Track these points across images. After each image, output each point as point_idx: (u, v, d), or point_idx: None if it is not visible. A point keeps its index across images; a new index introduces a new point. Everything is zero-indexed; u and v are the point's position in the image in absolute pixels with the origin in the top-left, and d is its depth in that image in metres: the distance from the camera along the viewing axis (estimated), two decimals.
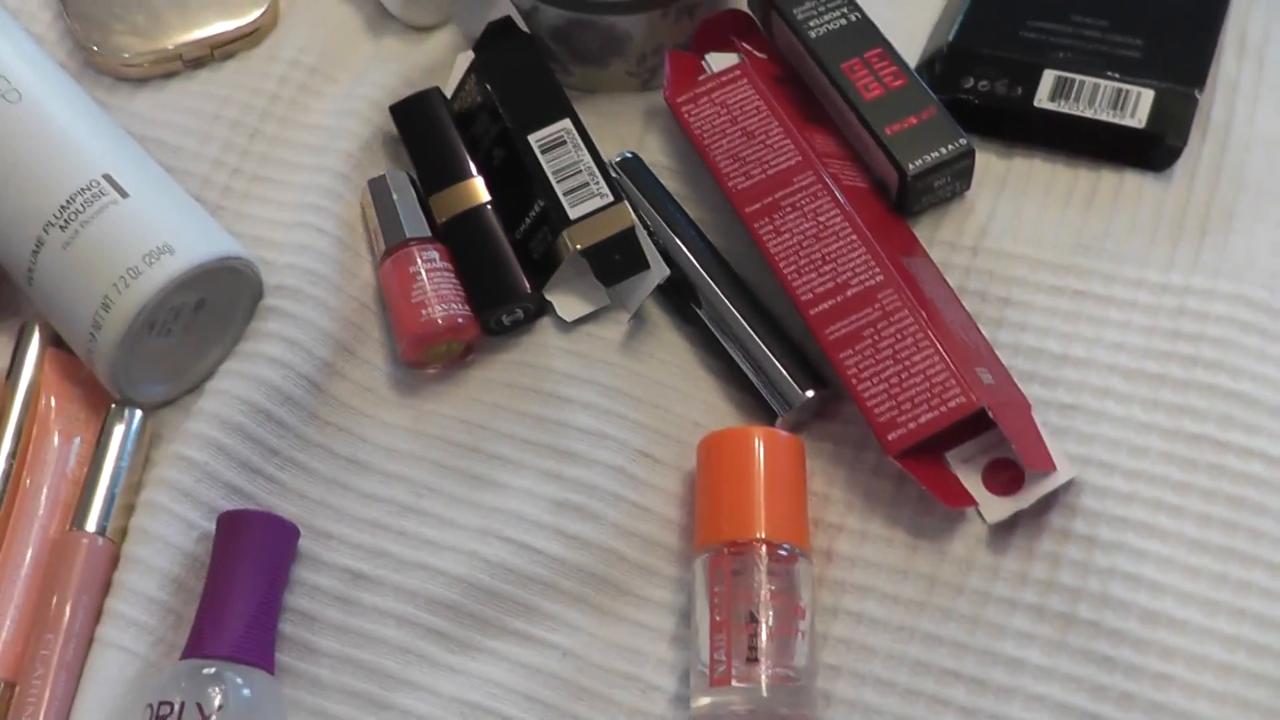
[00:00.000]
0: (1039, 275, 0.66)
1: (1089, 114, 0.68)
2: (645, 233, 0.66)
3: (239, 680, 0.56)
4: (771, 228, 0.64)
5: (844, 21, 0.69)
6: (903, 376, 0.60)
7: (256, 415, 0.64)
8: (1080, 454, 0.61)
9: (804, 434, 0.63)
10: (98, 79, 0.74)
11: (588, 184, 0.66)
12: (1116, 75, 0.69)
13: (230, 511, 0.61)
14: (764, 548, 0.57)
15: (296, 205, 0.69)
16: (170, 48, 0.73)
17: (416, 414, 0.65)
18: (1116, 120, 0.68)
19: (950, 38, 0.71)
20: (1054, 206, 0.67)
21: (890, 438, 0.59)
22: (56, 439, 0.64)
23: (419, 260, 0.66)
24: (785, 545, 0.58)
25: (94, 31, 0.74)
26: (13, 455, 0.63)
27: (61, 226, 0.62)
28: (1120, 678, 0.56)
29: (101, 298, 0.61)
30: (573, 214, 0.65)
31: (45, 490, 0.63)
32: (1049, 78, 0.69)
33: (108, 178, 0.63)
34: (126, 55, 0.73)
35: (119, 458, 0.62)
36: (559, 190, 0.66)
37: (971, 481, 0.60)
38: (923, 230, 0.67)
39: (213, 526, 0.61)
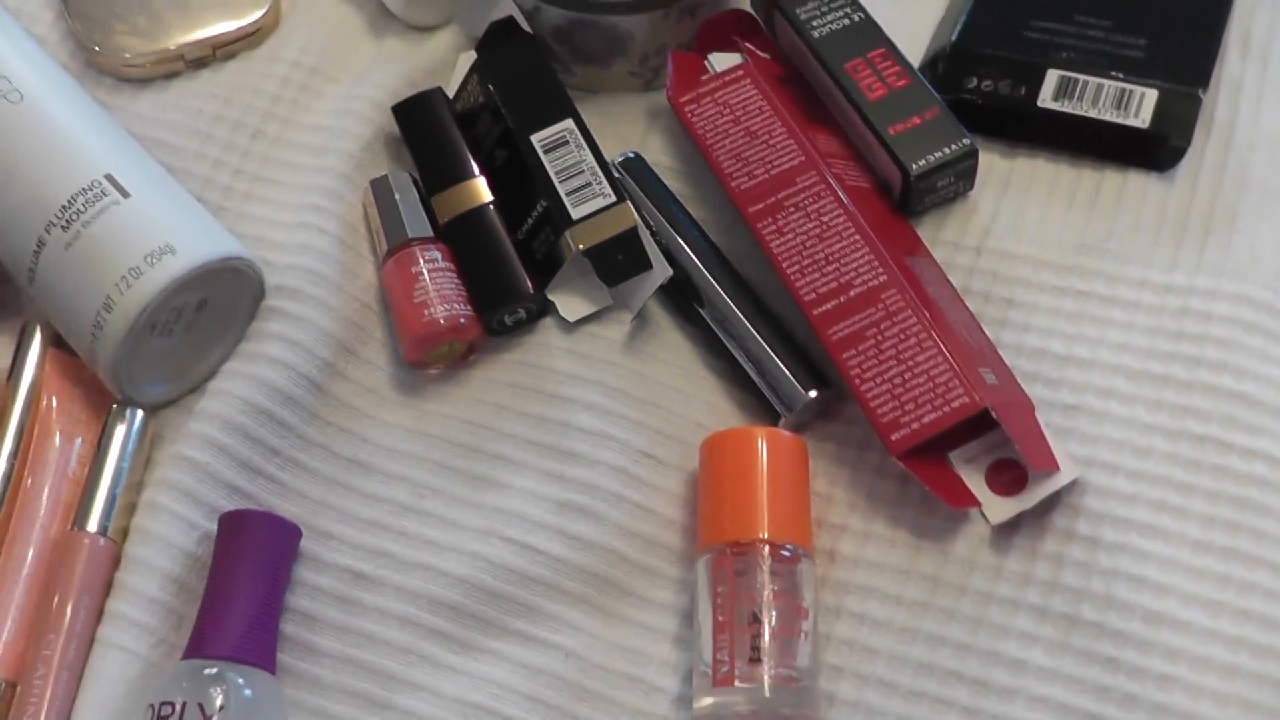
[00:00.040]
0: (1042, 275, 0.65)
1: (1092, 114, 0.68)
2: (648, 233, 0.65)
3: (240, 680, 0.56)
4: (774, 228, 0.64)
5: (847, 21, 0.69)
6: (906, 377, 0.60)
7: (258, 415, 0.63)
8: (1084, 455, 0.61)
9: (807, 434, 0.63)
10: (99, 79, 0.74)
11: (590, 184, 0.66)
12: (1120, 75, 0.68)
13: (232, 512, 0.61)
14: (767, 548, 0.57)
15: (298, 205, 0.69)
16: (172, 48, 0.73)
17: (418, 414, 0.65)
18: (1120, 120, 0.67)
19: (953, 37, 0.71)
20: (1057, 207, 0.67)
21: (893, 438, 0.59)
22: (58, 439, 0.64)
23: (421, 260, 0.66)
24: (788, 546, 0.57)
25: (96, 32, 0.74)
26: (14, 455, 0.63)
27: (63, 227, 0.62)
28: (1124, 679, 0.56)
29: (103, 298, 0.61)
30: (575, 214, 0.65)
31: (46, 490, 0.63)
32: (1052, 78, 0.69)
33: (109, 178, 0.63)
34: (128, 56, 0.73)
35: (120, 458, 0.62)
36: (561, 190, 0.66)
37: (975, 482, 0.60)
38: (926, 230, 0.67)
39: (214, 527, 0.61)
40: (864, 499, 0.61)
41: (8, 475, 0.62)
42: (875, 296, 0.62)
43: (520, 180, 0.67)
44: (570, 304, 0.66)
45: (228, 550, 0.59)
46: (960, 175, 0.67)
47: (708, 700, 0.56)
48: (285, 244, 0.68)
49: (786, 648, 0.56)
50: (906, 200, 0.66)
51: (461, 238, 0.67)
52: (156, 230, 0.62)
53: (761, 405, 0.63)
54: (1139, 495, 0.60)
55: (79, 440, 0.64)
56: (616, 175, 0.67)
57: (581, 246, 0.64)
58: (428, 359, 0.65)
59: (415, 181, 0.69)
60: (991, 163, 0.69)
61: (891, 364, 0.60)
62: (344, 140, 0.70)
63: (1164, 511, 0.59)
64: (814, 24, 0.69)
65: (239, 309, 0.66)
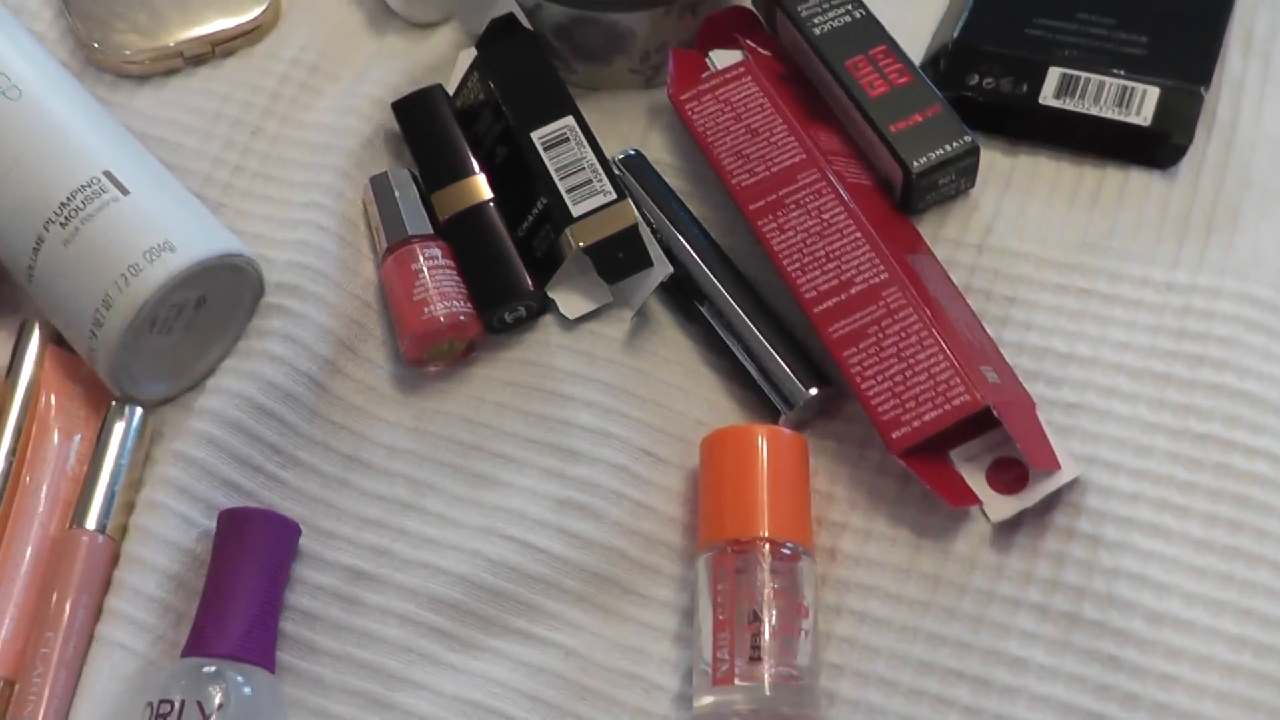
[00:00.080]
0: (1044, 273, 0.65)
1: (1094, 111, 0.68)
2: (648, 230, 0.65)
3: (240, 679, 0.56)
4: (775, 225, 0.64)
5: (848, 18, 0.69)
6: (907, 375, 0.60)
7: (257, 413, 0.63)
8: (1085, 453, 0.61)
9: (807, 432, 0.63)
10: (99, 76, 0.74)
11: (590, 181, 0.66)
12: (1122, 73, 0.68)
13: (231, 509, 0.61)
14: (767, 546, 0.57)
15: (298, 203, 0.69)
16: (171, 45, 0.73)
17: (418, 412, 0.65)
18: (1122, 118, 0.67)
19: (955, 35, 0.71)
20: (1059, 204, 0.67)
21: (894, 436, 0.59)
22: (56, 437, 0.64)
23: (421, 258, 0.66)
24: (789, 544, 0.57)
25: (95, 29, 0.73)
26: (13, 453, 0.63)
27: (62, 224, 0.62)
28: (1125, 678, 0.56)
29: (102, 295, 0.61)
30: (575, 211, 0.65)
31: (45, 488, 0.63)
32: (1054, 75, 0.69)
33: (108, 175, 0.63)
34: (128, 53, 0.73)
35: (119, 455, 0.62)
36: (562, 187, 0.66)
37: (976, 480, 0.60)
38: (927, 228, 0.67)
39: (213, 524, 0.60)
40: (865, 497, 0.61)
41: (6, 473, 0.62)
42: (876, 294, 0.62)
43: (520, 177, 0.67)
44: (570, 301, 0.66)
45: (227, 548, 0.59)
46: (962, 173, 0.66)
47: (708, 699, 0.56)
48: (285, 241, 0.67)
49: (787, 646, 0.56)
50: (908, 198, 0.66)
51: (461, 235, 0.67)
52: (156, 227, 0.62)
53: (762, 403, 0.63)
54: (1141, 494, 0.60)
55: (78, 437, 0.64)
56: (617, 173, 0.67)
57: (582, 244, 0.64)
58: (427, 357, 0.65)
59: (415, 178, 0.69)
60: (993, 160, 0.69)
61: (892, 362, 0.60)
62: (344, 137, 0.70)
63: (1166, 510, 0.59)
64: (815, 21, 0.69)
65: (238, 306, 0.66)
